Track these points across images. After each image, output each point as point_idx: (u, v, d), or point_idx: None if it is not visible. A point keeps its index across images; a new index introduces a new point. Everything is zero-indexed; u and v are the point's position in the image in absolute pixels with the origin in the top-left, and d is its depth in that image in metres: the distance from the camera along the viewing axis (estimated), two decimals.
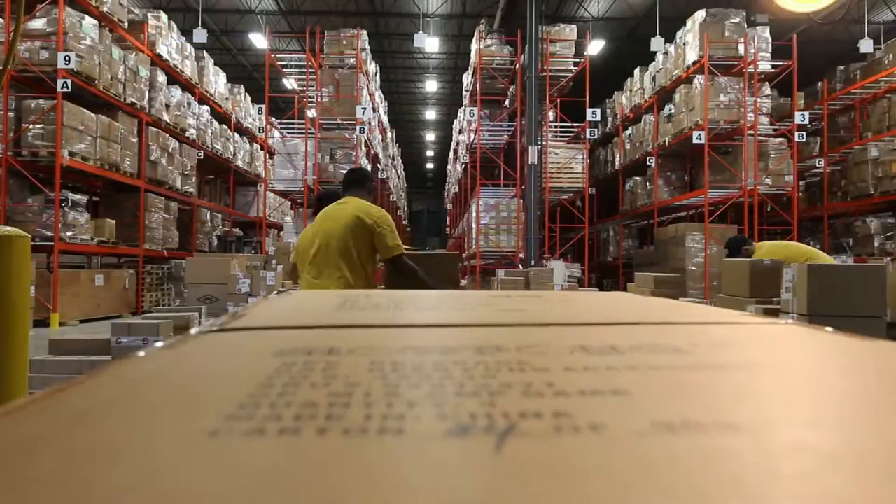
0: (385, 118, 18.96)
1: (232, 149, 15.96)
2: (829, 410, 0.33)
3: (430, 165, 41.57)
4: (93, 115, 9.39)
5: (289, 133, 13.93)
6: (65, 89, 8.62)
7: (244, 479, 0.23)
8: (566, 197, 12.70)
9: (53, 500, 0.22)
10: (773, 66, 12.21)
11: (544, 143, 11.95)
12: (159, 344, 0.50)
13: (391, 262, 3.01)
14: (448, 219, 28.11)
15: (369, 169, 3.51)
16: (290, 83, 14.62)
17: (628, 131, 15.62)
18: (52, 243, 8.60)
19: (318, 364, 0.40)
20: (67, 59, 8.58)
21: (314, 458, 0.25)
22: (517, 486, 0.23)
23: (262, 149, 16.78)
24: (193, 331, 0.55)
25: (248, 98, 17.04)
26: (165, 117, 11.99)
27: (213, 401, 0.34)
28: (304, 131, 11.77)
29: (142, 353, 0.46)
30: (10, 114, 8.78)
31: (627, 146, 15.55)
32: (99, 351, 4.02)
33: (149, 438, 0.28)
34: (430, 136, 34.30)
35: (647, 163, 14.11)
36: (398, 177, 25.78)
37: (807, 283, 3.72)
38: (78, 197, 9.28)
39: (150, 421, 0.31)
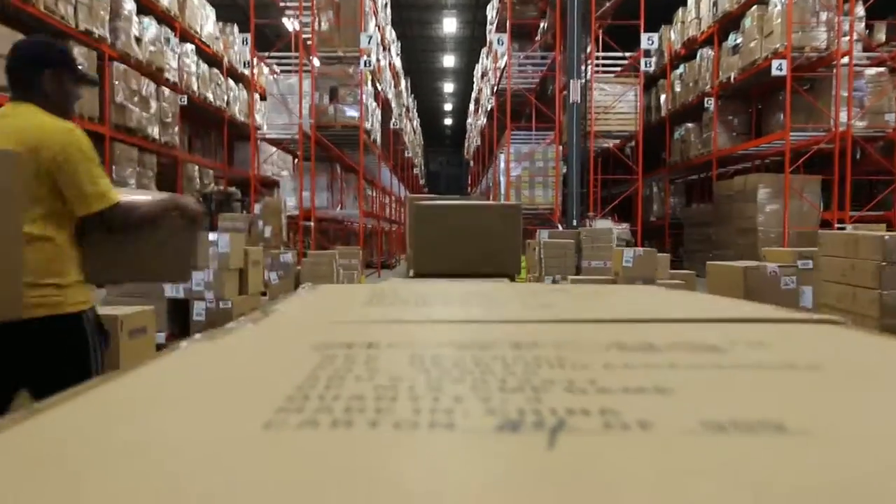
0: (398, 62, 16.88)
1: (225, 97, 14.11)
2: (872, 411, 0.32)
3: (448, 121, 39.38)
4: None
5: (283, 71, 11.97)
6: None
7: (303, 470, 0.24)
8: (614, 143, 10.64)
9: (112, 490, 0.23)
10: None
11: (589, 77, 9.91)
12: (198, 336, 0.50)
13: (96, 221, 1.90)
14: (469, 176, 26.16)
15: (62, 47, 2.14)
16: (289, 23, 12.59)
17: (679, 70, 13.44)
18: None
19: (360, 357, 0.42)
20: None
21: (370, 451, 0.26)
22: (574, 481, 0.23)
23: (247, 89, 14.73)
24: (230, 325, 0.55)
25: (243, 40, 15.00)
26: (136, 53, 10.10)
27: (262, 393, 0.34)
28: (299, 67, 9.81)
29: (183, 345, 0.47)
30: None
31: (678, 88, 13.39)
32: None
33: (205, 430, 0.29)
34: (448, 88, 32.03)
35: (705, 105, 12.00)
36: (414, 131, 23.72)
37: None
38: None
39: (204, 413, 0.32)
